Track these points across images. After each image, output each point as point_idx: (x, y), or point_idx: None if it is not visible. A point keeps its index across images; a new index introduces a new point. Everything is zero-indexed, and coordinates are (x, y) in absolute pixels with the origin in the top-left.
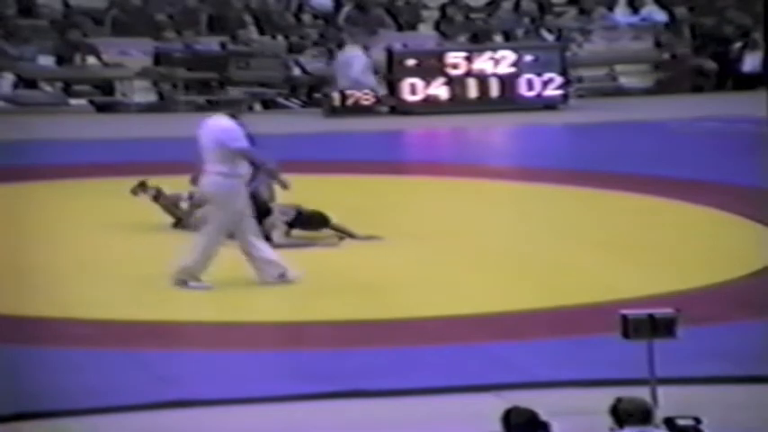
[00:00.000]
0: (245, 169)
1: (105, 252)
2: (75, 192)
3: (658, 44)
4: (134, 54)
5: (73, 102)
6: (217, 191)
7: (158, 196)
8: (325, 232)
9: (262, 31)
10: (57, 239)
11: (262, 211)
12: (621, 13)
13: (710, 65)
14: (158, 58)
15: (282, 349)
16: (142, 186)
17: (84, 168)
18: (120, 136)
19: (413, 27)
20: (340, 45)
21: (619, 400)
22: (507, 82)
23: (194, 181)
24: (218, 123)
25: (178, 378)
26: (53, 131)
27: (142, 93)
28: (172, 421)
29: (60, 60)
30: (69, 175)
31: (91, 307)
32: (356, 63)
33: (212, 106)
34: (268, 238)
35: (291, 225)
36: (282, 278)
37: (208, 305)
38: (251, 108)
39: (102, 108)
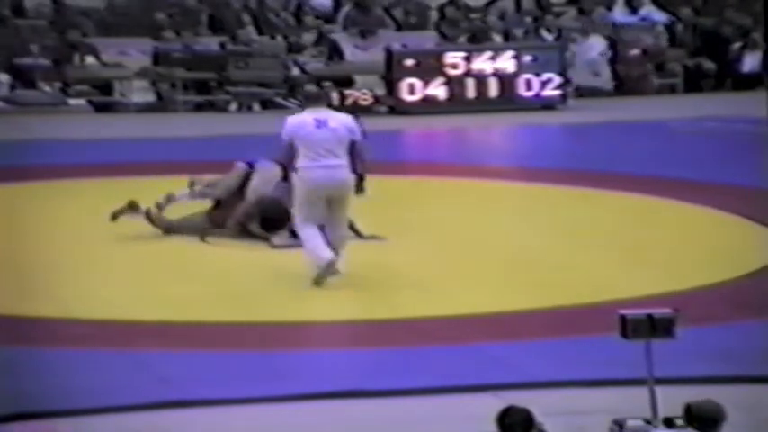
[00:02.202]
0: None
1: (103, 252)
2: (74, 192)
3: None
4: (133, 54)
5: (71, 102)
6: (352, 182)
7: (151, 216)
8: None
9: (260, 32)
10: (54, 239)
11: (284, 218)
12: (620, 14)
13: (709, 65)
14: (157, 58)
15: (281, 349)
16: (132, 207)
17: (83, 169)
18: (119, 136)
19: (422, 28)
20: (335, 47)
21: (694, 403)
22: (506, 82)
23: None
24: (343, 116)
25: (176, 378)
26: (51, 132)
27: (141, 93)
28: (169, 421)
29: (58, 61)
30: (68, 176)
31: (88, 307)
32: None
33: (211, 106)
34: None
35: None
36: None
37: (207, 305)
38: (249, 108)
39: (100, 108)
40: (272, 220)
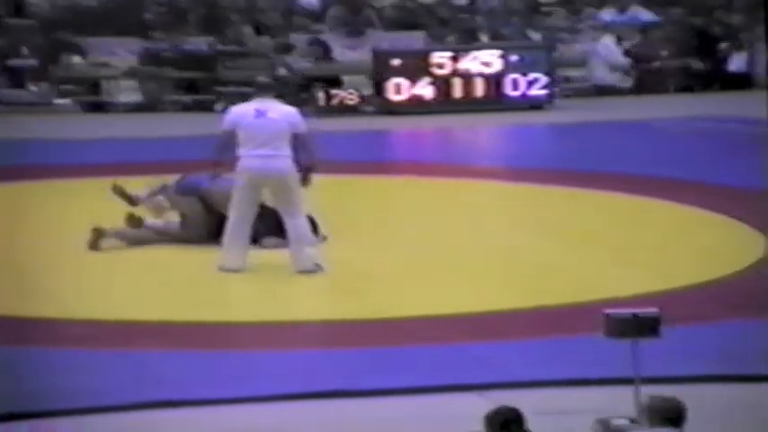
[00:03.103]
0: None
1: (90, 252)
2: (61, 192)
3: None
4: (121, 54)
5: (59, 101)
6: (294, 173)
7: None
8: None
9: (257, 31)
10: (42, 239)
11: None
12: (608, 13)
13: (697, 65)
14: (145, 58)
15: (265, 349)
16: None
17: (71, 169)
18: (107, 136)
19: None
20: (326, 47)
21: (654, 398)
22: (493, 82)
23: (216, 170)
24: (286, 108)
25: (167, 377)
26: (39, 131)
27: (129, 92)
28: (159, 421)
29: (46, 60)
30: (56, 176)
31: (78, 307)
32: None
33: (200, 106)
34: (255, 241)
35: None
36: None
37: (196, 305)
38: None
39: (88, 108)
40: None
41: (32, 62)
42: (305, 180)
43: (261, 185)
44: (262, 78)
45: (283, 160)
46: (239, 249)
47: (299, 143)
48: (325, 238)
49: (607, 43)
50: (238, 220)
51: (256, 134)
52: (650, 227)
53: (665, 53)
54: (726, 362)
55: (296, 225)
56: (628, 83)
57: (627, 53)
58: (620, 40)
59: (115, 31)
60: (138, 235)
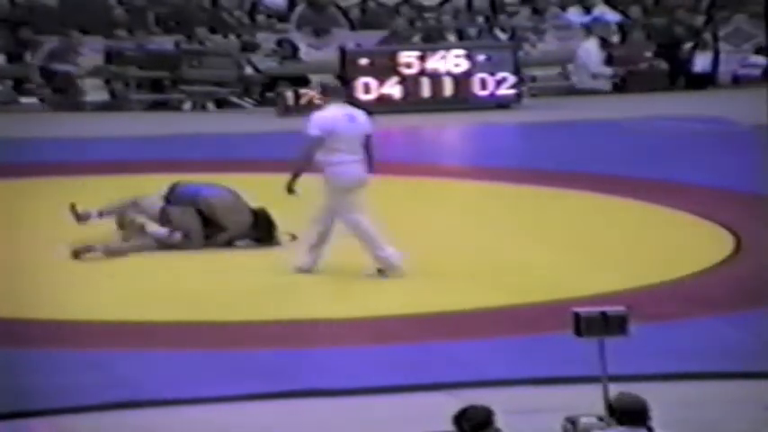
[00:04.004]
0: None
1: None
2: (27, 192)
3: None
4: (85, 52)
5: (23, 100)
6: (365, 178)
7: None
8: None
9: (213, 30)
10: (9, 240)
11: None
12: (574, 13)
13: (662, 65)
14: (110, 57)
15: (238, 348)
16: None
17: (36, 168)
18: (72, 135)
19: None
20: (293, 47)
21: (619, 396)
22: (461, 81)
23: (297, 175)
24: (358, 113)
25: (131, 378)
26: (3, 130)
27: (94, 91)
28: (123, 421)
29: (10, 58)
30: (21, 175)
31: (42, 308)
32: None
33: (165, 105)
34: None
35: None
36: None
37: (171, 305)
38: (204, 107)
39: (54, 106)
40: (266, 237)
41: None
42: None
43: (350, 191)
44: (333, 83)
45: (363, 165)
46: (316, 251)
47: (369, 145)
48: (294, 238)
49: (588, 48)
50: (321, 223)
51: (350, 140)
52: (617, 226)
53: (648, 54)
54: (693, 359)
55: (373, 227)
56: (608, 86)
57: (609, 57)
58: (604, 42)
59: (79, 29)
60: (130, 247)
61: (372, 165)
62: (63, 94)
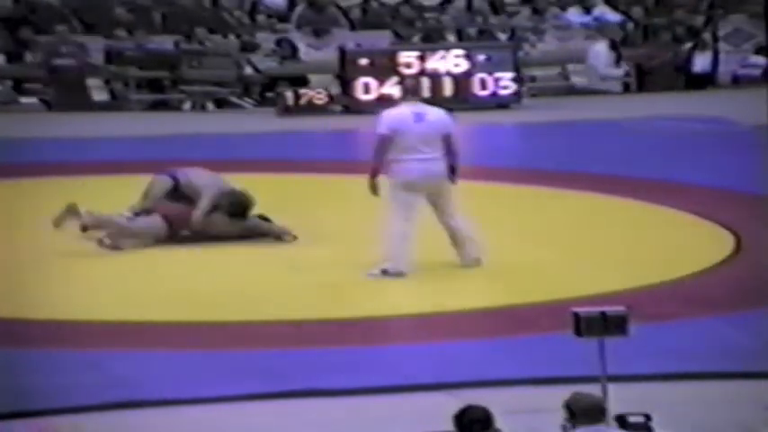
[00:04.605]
0: None
1: (59, 255)
2: (27, 192)
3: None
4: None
5: (23, 100)
6: (444, 174)
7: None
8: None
9: (213, 30)
10: (8, 240)
11: (250, 205)
12: (574, 13)
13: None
14: (110, 57)
15: (236, 349)
16: (71, 211)
17: (35, 168)
18: (72, 135)
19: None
20: (293, 47)
21: (575, 396)
22: (460, 81)
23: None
24: (439, 111)
25: (131, 378)
26: (3, 130)
27: (94, 91)
28: (123, 421)
29: (10, 58)
30: (20, 175)
31: (42, 308)
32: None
33: (165, 105)
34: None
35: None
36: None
37: (171, 305)
38: (203, 107)
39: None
40: (239, 208)
41: None
42: (452, 179)
43: (418, 189)
44: (410, 81)
45: (439, 163)
46: (403, 253)
47: (449, 143)
48: (294, 238)
49: (597, 50)
50: (401, 223)
51: (416, 138)
52: (617, 226)
53: (670, 53)
54: (693, 359)
55: (459, 225)
56: (618, 88)
57: (619, 58)
58: (614, 44)
59: (80, 29)
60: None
61: (455, 164)
62: (68, 90)
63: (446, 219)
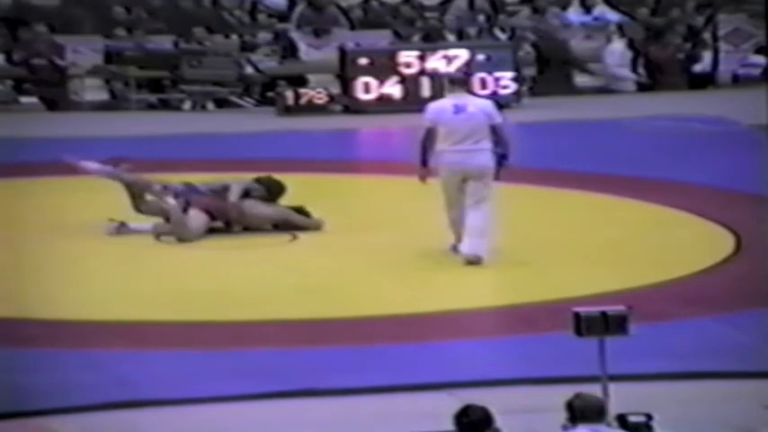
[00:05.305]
0: None
1: (63, 252)
2: (27, 191)
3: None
4: (85, 52)
5: (23, 99)
6: (492, 167)
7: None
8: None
9: (212, 30)
10: (9, 239)
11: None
12: (574, 13)
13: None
14: (109, 57)
15: (235, 348)
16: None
17: (35, 167)
18: (72, 134)
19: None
20: (292, 45)
21: (576, 396)
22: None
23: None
24: (482, 101)
25: (131, 378)
26: (3, 130)
27: (94, 91)
28: (123, 421)
29: (11, 58)
30: (20, 174)
31: (42, 308)
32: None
33: (165, 105)
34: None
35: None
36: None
37: (171, 304)
38: (204, 107)
39: (53, 106)
40: (272, 191)
41: None
42: (498, 171)
43: (462, 178)
44: (455, 73)
45: (483, 154)
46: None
47: (494, 134)
48: (294, 238)
49: (613, 50)
50: (455, 211)
51: (456, 129)
52: (618, 225)
53: (687, 46)
54: (693, 359)
55: (478, 217)
56: (632, 87)
57: (636, 58)
58: (631, 42)
59: (79, 29)
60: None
61: (507, 154)
62: (48, 88)
63: (471, 203)
